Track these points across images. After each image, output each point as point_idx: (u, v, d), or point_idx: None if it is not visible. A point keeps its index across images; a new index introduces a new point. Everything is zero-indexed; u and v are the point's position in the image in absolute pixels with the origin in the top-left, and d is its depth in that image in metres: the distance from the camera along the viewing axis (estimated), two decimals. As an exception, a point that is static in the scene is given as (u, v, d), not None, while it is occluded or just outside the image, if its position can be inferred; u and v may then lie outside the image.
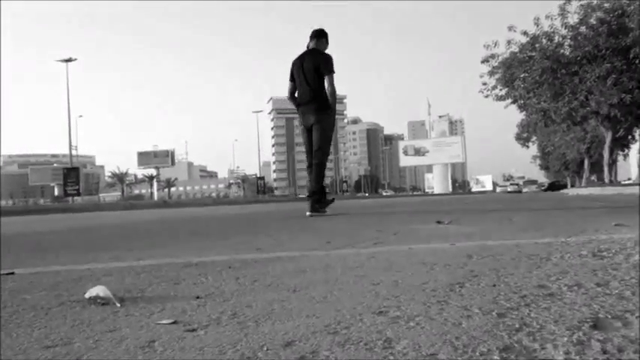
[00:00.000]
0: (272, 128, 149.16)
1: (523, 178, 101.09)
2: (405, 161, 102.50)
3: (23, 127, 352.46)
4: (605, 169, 24.58)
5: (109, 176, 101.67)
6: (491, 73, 22.47)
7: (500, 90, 22.69)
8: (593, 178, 43.50)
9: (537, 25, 21.20)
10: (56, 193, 73.22)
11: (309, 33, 5.55)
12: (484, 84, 22.81)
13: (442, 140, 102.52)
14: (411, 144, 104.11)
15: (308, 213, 5.19)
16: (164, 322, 0.93)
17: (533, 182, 78.60)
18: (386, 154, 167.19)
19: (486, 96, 22.90)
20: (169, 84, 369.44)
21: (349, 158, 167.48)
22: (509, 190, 65.11)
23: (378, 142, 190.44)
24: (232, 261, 1.75)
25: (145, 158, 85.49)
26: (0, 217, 8.06)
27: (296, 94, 5.52)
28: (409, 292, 1.11)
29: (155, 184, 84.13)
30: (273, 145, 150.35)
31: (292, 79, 5.49)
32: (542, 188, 65.08)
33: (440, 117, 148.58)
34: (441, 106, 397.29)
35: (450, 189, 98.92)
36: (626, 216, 3.39)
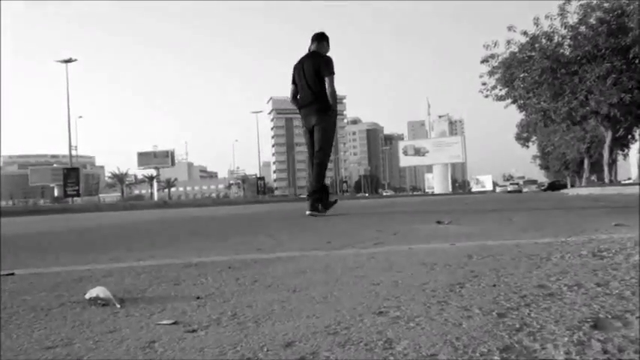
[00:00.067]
0: (272, 128, 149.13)
1: (523, 177, 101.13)
2: (405, 161, 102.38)
3: (23, 128, 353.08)
4: (605, 168, 24.54)
5: (109, 177, 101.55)
6: (490, 73, 22.42)
7: (500, 90, 22.65)
8: (593, 177, 43.47)
9: (537, 25, 21.17)
10: (56, 193, 73.15)
11: (310, 36, 5.60)
12: (484, 84, 22.77)
13: (442, 140, 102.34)
14: (411, 144, 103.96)
15: (308, 212, 5.22)
16: (164, 322, 0.93)
17: (533, 182, 78.60)
18: (386, 154, 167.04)
19: (486, 96, 22.86)
20: (169, 84, 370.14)
21: (349, 158, 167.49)
22: (509, 190, 65.13)
23: (378, 142, 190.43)
24: (232, 261, 1.75)
25: (144, 159, 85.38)
26: (0, 218, 8.05)
27: (298, 97, 5.56)
28: (409, 293, 1.11)
29: (155, 184, 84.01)
30: (273, 146, 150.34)
31: (294, 82, 5.56)
32: (542, 188, 65.08)
33: (440, 117, 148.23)
34: (441, 106, 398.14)
35: (450, 189, 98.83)
36: (626, 216, 3.39)
